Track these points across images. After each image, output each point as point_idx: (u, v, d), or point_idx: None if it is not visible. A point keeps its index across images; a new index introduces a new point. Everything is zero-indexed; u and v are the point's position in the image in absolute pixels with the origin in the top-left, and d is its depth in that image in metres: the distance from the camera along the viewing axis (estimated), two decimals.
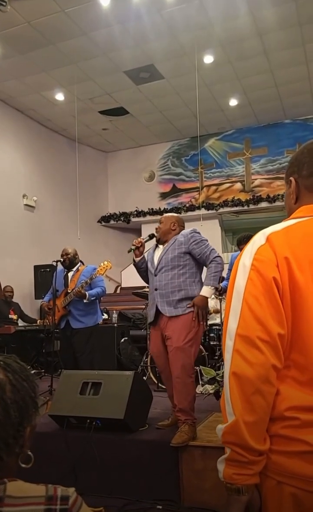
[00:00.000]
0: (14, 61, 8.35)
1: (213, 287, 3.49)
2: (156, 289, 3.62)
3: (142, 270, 3.89)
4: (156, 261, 3.70)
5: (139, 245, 3.84)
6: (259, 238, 1.22)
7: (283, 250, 1.16)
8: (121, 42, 7.90)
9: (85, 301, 4.99)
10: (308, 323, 1.12)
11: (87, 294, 4.94)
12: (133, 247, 3.83)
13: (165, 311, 3.53)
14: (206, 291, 3.49)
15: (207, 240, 3.67)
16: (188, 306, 3.49)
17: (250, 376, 1.11)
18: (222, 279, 4.70)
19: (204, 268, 3.65)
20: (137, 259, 3.85)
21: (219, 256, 3.58)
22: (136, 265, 3.89)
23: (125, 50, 8.14)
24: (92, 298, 5.04)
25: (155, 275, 3.65)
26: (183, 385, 3.37)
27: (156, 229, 3.87)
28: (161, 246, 3.80)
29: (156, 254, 3.77)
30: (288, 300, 1.14)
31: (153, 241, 3.91)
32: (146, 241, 3.91)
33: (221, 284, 5.09)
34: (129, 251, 3.84)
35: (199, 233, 3.68)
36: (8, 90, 9.48)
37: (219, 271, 3.55)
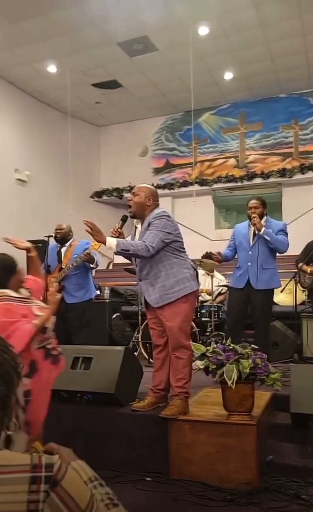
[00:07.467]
0: (4, 32, 8.13)
1: (117, 247, 3.18)
2: (140, 280, 3.47)
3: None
4: None
5: (117, 235, 3.50)
6: None
7: None
8: (115, 13, 7.70)
9: (92, 266, 5.11)
10: None
11: (94, 257, 5.01)
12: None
13: (152, 301, 3.39)
14: (111, 242, 3.24)
15: (164, 229, 3.30)
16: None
17: None
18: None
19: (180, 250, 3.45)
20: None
21: (152, 246, 3.22)
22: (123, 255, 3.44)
23: (119, 21, 7.93)
24: (99, 263, 5.20)
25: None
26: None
27: (129, 201, 3.51)
28: (139, 227, 3.51)
29: (136, 239, 3.50)
30: None
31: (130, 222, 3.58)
32: (122, 226, 3.57)
33: (222, 252, 4.92)
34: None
35: (167, 217, 3.36)
36: None
37: (136, 253, 3.26)
